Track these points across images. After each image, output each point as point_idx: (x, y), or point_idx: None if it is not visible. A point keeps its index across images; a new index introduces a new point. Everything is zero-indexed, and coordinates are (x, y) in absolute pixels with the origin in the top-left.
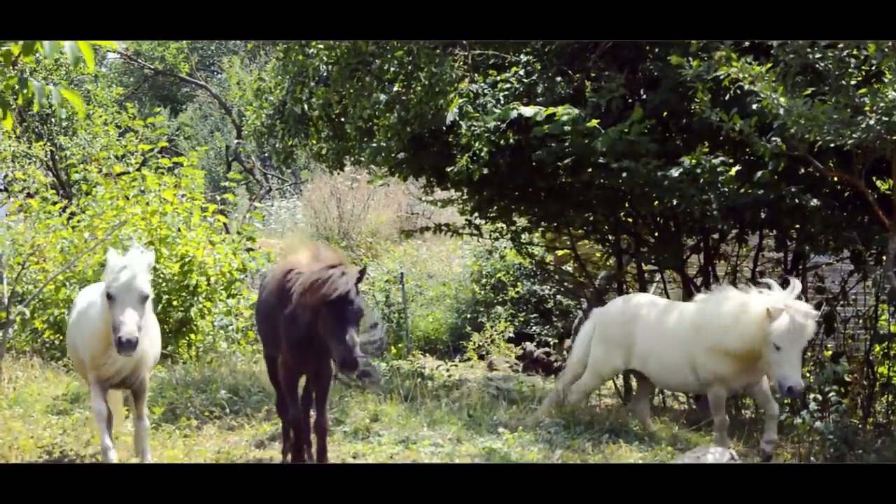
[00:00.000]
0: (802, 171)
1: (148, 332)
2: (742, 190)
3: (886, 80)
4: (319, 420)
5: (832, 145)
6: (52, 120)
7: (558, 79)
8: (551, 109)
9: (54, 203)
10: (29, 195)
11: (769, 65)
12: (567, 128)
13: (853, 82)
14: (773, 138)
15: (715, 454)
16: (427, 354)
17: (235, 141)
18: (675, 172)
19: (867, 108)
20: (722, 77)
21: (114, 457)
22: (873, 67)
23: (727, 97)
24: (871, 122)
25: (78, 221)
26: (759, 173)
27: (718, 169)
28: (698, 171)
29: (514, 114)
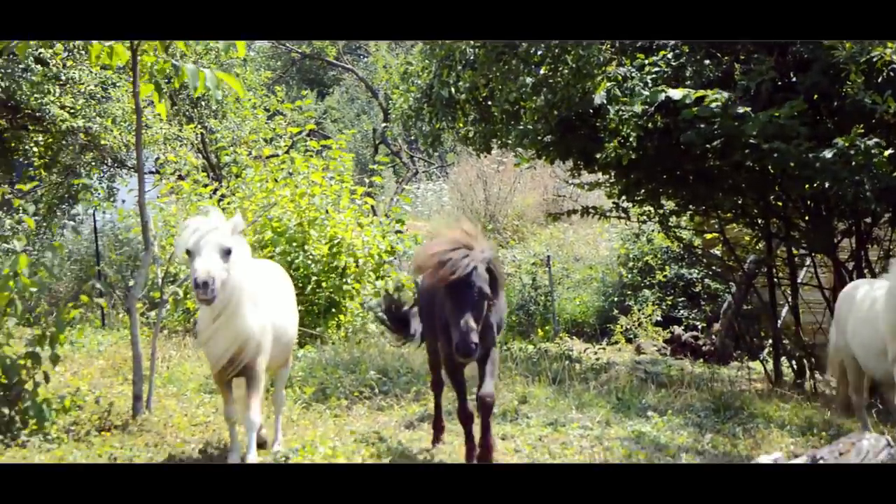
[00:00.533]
0: None
1: (256, 310)
2: None
3: None
4: (482, 395)
5: None
6: (203, 103)
7: (707, 62)
8: (700, 92)
9: (205, 185)
10: (180, 177)
11: None
12: (717, 111)
13: None
14: None
15: (870, 440)
16: (574, 337)
17: (382, 124)
18: (828, 154)
19: None
20: (875, 59)
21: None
22: None
23: (880, 79)
24: None
25: (228, 203)
26: None
27: (872, 151)
28: (852, 152)
29: (662, 97)
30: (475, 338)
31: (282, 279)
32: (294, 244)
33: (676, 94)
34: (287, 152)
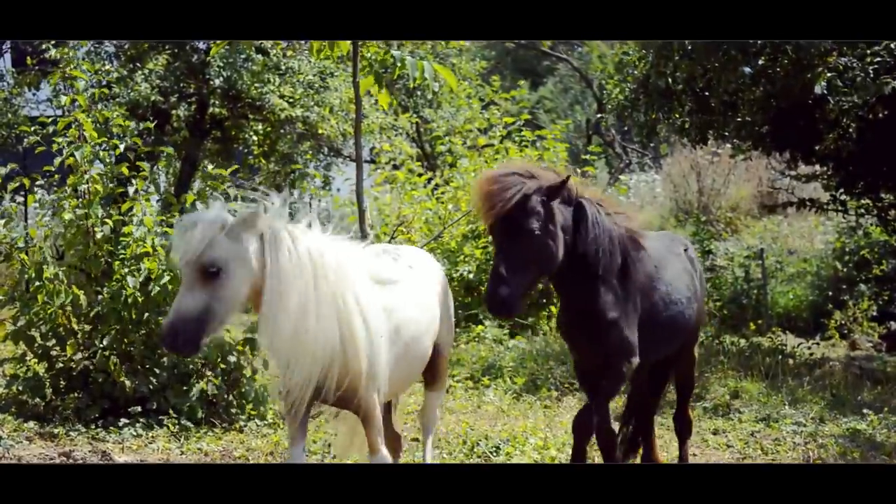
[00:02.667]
0: None
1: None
2: None
3: None
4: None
5: None
6: (418, 93)
7: None
8: None
9: (419, 175)
10: (395, 167)
11: None
12: None
13: None
14: None
15: None
16: (787, 332)
17: (597, 115)
18: None
19: None
20: None
21: None
22: None
23: None
24: None
25: (442, 193)
26: None
27: None
28: None
29: (887, 89)
30: (504, 291)
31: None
32: None
33: None
34: (501, 142)
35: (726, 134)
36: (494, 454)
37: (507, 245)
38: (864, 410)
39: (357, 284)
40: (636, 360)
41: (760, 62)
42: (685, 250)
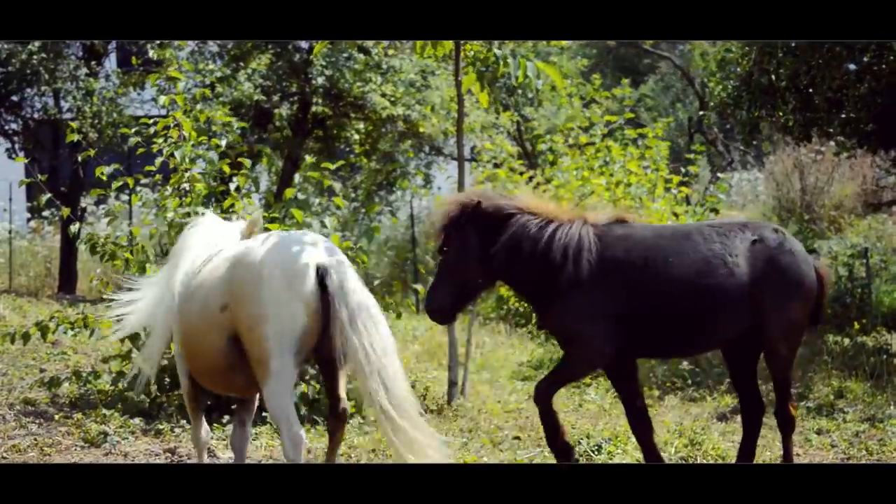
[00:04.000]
0: None
1: None
2: None
3: None
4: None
5: None
6: (519, 91)
7: None
8: None
9: (521, 173)
10: (496, 165)
11: None
12: None
13: None
14: None
15: None
16: (892, 331)
17: (699, 112)
18: None
19: None
20: None
21: None
22: None
23: None
24: None
25: (544, 191)
26: None
27: None
28: None
29: None
30: (430, 303)
31: None
32: None
33: None
34: (603, 140)
35: (830, 131)
36: (596, 453)
37: (436, 265)
38: None
39: None
40: (602, 349)
41: (865, 59)
42: (755, 242)
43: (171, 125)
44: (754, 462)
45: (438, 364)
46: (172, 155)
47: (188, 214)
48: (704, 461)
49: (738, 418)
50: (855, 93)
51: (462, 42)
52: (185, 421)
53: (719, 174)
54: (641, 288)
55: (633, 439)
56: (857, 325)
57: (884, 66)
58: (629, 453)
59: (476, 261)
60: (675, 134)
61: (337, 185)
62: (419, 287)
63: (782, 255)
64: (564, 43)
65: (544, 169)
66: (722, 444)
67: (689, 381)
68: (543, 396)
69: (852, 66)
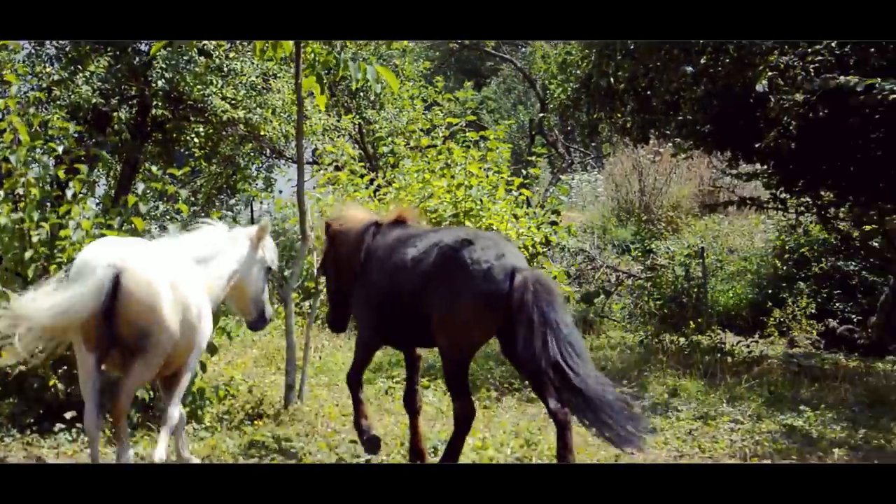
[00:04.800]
0: None
1: None
2: None
3: None
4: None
5: None
6: (361, 94)
7: (872, 49)
8: (871, 80)
9: (362, 176)
10: (337, 168)
11: None
12: (894, 97)
13: None
14: None
15: None
16: (726, 330)
17: (540, 114)
18: None
19: None
20: None
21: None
22: None
23: None
24: None
25: (385, 194)
26: None
27: None
28: None
29: (832, 84)
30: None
31: None
32: None
33: (848, 80)
34: (444, 143)
35: (668, 133)
36: (433, 455)
37: None
38: (801, 407)
39: None
40: (372, 335)
41: (702, 61)
42: (438, 249)
43: (7, 129)
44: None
45: (276, 368)
46: (6, 159)
47: (21, 220)
48: (540, 461)
49: (574, 419)
50: (692, 95)
51: (302, 44)
52: (15, 430)
53: (560, 176)
54: (384, 284)
55: (471, 440)
56: (692, 325)
57: (720, 69)
58: (465, 454)
59: (332, 275)
60: (517, 136)
61: (184, 193)
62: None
63: (454, 261)
64: (407, 45)
65: (386, 171)
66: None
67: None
68: (350, 382)
69: (689, 69)
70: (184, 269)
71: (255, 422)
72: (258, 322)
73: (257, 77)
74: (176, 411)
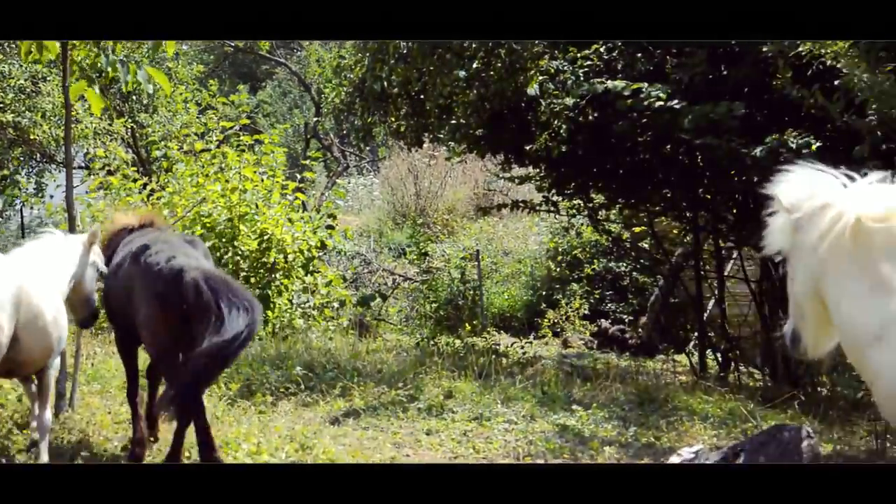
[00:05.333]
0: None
1: None
2: None
3: None
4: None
5: None
6: (133, 97)
7: (639, 55)
8: (637, 85)
9: (135, 180)
10: (109, 172)
11: (851, 41)
12: (659, 104)
13: None
14: (870, 116)
15: (791, 431)
16: (502, 331)
17: (315, 119)
18: (759, 151)
19: None
20: (804, 53)
21: None
22: None
23: (809, 73)
24: None
25: (158, 198)
26: (857, 148)
27: (804, 151)
28: (782, 150)
29: (600, 88)
30: None
31: None
32: (224, 240)
33: (615, 85)
34: (219, 147)
35: (442, 136)
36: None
37: None
38: (574, 407)
39: None
40: (118, 335)
41: (475, 66)
42: (130, 255)
43: None
44: None
45: None
46: None
47: None
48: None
49: (351, 420)
50: (464, 99)
51: (70, 48)
52: None
53: (336, 179)
54: (114, 287)
55: (245, 446)
56: (468, 327)
57: (492, 73)
58: (239, 459)
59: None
60: (292, 140)
61: None
62: None
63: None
64: (181, 48)
65: (159, 176)
66: (333, 448)
67: (303, 386)
68: (128, 394)
69: (462, 73)
70: (34, 275)
71: (25, 430)
72: (89, 320)
73: (26, 80)
74: (48, 415)
